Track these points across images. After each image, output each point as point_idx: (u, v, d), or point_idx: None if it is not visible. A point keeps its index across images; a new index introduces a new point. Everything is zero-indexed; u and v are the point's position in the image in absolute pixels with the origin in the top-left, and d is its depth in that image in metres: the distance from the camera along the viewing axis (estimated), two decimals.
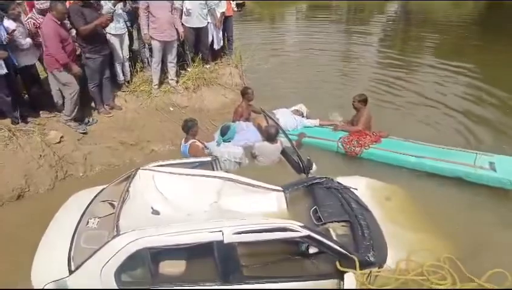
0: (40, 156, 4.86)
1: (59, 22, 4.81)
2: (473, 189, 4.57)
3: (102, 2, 5.57)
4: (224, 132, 4.91)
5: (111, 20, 5.43)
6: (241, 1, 8.43)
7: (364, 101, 5.42)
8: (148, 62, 6.59)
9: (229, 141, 4.96)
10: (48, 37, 4.77)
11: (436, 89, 8.02)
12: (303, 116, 5.89)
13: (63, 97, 5.34)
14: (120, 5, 5.75)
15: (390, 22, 15.68)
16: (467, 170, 4.55)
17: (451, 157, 4.70)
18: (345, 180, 4.17)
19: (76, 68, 5.06)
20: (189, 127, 4.91)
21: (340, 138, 5.25)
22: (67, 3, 5.33)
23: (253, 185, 3.78)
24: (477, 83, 8.29)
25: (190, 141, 4.86)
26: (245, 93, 5.83)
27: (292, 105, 6.10)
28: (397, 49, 11.49)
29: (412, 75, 9.00)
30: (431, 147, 4.98)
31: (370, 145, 5.05)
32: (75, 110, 5.34)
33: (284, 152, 5.05)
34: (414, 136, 5.36)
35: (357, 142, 5.08)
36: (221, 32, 7.35)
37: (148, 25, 5.96)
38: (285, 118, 5.70)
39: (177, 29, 6.14)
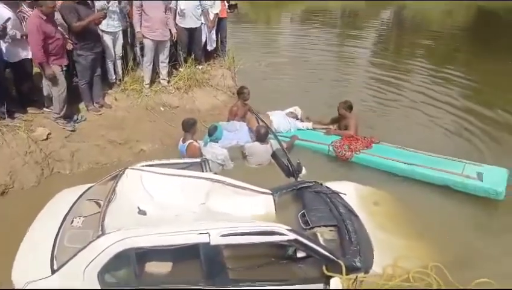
0: (26, 152, 4.78)
1: (45, 18, 4.68)
2: (462, 197, 4.62)
3: None
4: (211, 132, 4.89)
5: (104, 17, 5.37)
6: (234, 2, 8.42)
7: (350, 107, 5.50)
8: (139, 61, 6.54)
9: (216, 142, 4.94)
10: (30, 32, 4.67)
11: (428, 95, 8.13)
12: (297, 119, 5.91)
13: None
14: (114, 2, 5.70)
15: (384, 27, 15.86)
16: (455, 178, 4.59)
17: (440, 166, 4.73)
18: (333, 185, 4.19)
19: (49, 70, 4.86)
20: (189, 126, 4.93)
21: (332, 141, 5.30)
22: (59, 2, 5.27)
23: (241, 188, 3.77)
24: (468, 92, 8.43)
25: (188, 141, 4.85)
26: (241, 92, 5.86)
27: (287, 107, 6.12)
28: (390, 53, 11.66)
29: (405, 80, 9.15)
30: (421, 154, 5.01)
31: (361, 150, 5.09)
32: (64, 108, 5.26)
33: (274, 155, 5.04)
34: (405, 142, 5.39)
35: (348, 147, 5.14)
36: (214, 34, 7.34)
37: (141, 24, 5.92)
38: (279, 120, 5.72)
39: (170, 30, 6.12)
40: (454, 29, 15.10)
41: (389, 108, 7.51)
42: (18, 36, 4.83)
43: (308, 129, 5.68)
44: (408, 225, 3.95)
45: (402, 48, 12.36)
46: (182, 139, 4.99)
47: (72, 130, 5.34)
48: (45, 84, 5.28)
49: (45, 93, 5.36)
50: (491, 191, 4.40)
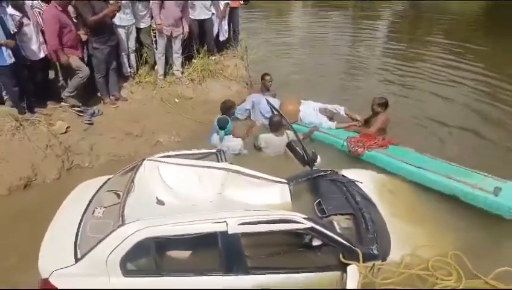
0: (47, 146, 4.90)
1: (61, 9, 4.89)
2: None
3: None
4: (223, 125, 4.84)
5: (119, 9, 5.43)
6: None
7: (384, 105, 5.16)
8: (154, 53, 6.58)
9: (229, 134, 4.94)
10: (46, 21, 4.85)
11: (452, 94, 7.58)
12: (330, 118, 5.69)
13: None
14: None
15: (398, 17, 15.51)
16: (465, 189, 4.16)
17: (454, 175, 4.31)
18: (349, 173, 4.17)
19: (64, 57, 5.05)
20: (227, 108, 5.27)
21: (348, 137, 5.14)
22: None
23: (257, 177, 3.79)
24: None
25: None
26: (262, 79, 6.19)
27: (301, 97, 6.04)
28: (405, 44, 11.36)
29: (426, 72, 8.74)
30: (438, 161, 4.62)
31: (374, 149, 4.89)
32: (77, 89, 5.39)
33: (289, 144, 5.06)
34: (433, 151, 4.95)
35: (363, 144, 4.94)
36: (226, 24, 7.32)
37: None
38: (308, 110, 5.69)
39: (183, 27, 6.17)
40: (469, 21, 14.56)
41: (421, 109, 6.95)
42: (30, 35, 4.92)
43: (330, 129, 5.48)
44: (425, 213, 3.92)
45: (418, 38, 11.96)
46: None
47: (89, 123, 5.44)
48: (67, 81, 5.39)
49: (62, 90, 5.46)
50: (504, 208, 3.92)
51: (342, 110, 5.68)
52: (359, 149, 4.88)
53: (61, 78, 5.51)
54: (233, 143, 4.85)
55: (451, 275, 3.16)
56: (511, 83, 7.83)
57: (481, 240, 3.64)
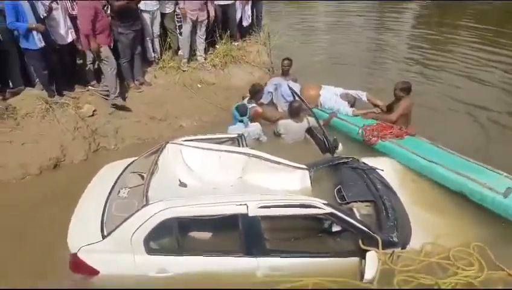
0: (75, 128, 5.08)
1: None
2: None
3: None
4: (244, 111, 4.77)
5: None
6: None
7: (407, 89, 4.92)
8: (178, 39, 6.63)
9: (250, 119, 4.93)
10: (81, 6, 4.91)
11: (478, 85, 7.21)
12: (351, 104, 5.56)
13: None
14: None
15: (426, 3, 14.91)
16: (474, 187, 3.85)
17: (467, 171, 3.99)
18: (370, 161, 4.13)
19: (94, 44, 5.06)
20: (255, 92, 5.39)
21: (364, 125, 4.97)
22: None
23: (278, 163, 3.81)
24: None
25: (252, 105, 5.22)
26: (281, 64, 6.12)
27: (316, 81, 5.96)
28: (433, 29, 10.94)
29: (452, 63, 8.36)
30: (454, 155, 4.32)
31: (389, 138, 4.70)
32: (118, 86, 5.49)
33: (310, 130, 5.04)
34: (454, 141, 4.70)
35: (378, 133, 4.77)
36: (250, 9, 7.27)
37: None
38: (328, 95, 5.61)
39: (208, 11, 6.15)
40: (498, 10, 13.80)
41: (441, 99, 6.68)
42: (61, 18, 5.03)
43: (347, 115, 5.35)
44: (448, 203, 3.86)
45: (445, 28, 11.42)
46: (246, 101, 5.34)
47: (121, 106, 5.55)
48: (94, 65, 5.52)
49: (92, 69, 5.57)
50: (511, 210, 3.61)
51: (364, 95, 5.56)
52: (373, 138, 4.73)
53: (88, 62, 5.64)
54: (253, 128, 4.87)
55: (472, 265, 3.12)
56: None
57: (506, 233, 3.54)
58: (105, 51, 5.22)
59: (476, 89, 7.03)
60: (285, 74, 6.12)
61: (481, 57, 8.49)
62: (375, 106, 5.40)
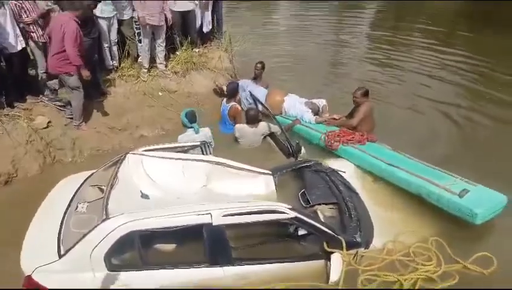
0: (27, 141, 4.81)
1: (79, 21, 4.80)
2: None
3: None
4: (193, 118, 4.68)
5: (99, 0, 5.32)
6: None
7: (364, 94, 5.01)
8: (137, 46, 6.48)
9: (198, 128, 4.78)
10: (71, 37, 4.67)
11: (439, 90, 7.31)
12: (318, 111, 5.66)
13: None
14: None
15: (382, 6, 15.56)
16: (431, 188, 3.91)
17: (425, 175, 4.05)
18: (333, 164, 4.22)
19: (86, 72, 4.96)
20: (233, 90, 5.51)
21: (327, 131, 5.05)
22: None
23: (242, 169, 3.81)
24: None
25: (231, 103, 5.42)
26: (254, 67, 6.25)
27: (312, 94, 6.03)
28: (389, 33, 11.41)
29: (411, 64, 8.66)
30: (413, 160, 4.38)
31: (350, 144, 4.78)
32: (82, 115, 5.34)
33: (273, 136, 5.09)
34: (414, 147, 4.81)
35: (340, 138, 4.84)
36: (210, 15, 7.24)
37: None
38: (292, 103, 5.70)
39: (165, 15, 6.07)
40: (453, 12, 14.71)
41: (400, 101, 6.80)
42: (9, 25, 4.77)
43: (310, 122, 5.43)
44: (407, 200, 4.00)
45: (402, 29, 11.98)
46: (225, 100, 5.57)
47: (72, 118, 5.35)
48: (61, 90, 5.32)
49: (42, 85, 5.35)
50: (466, 210, 3.64)
51: (321, 105, 5.70)
52: (334, 144, 4.82)
53: (41, 72, 5.38)
54: (202, 134, 4.70)
55: (431, 260, 3.26)
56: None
57: (461, 225, 3.70)
58: (75, 81, 5.01)
59: (435, 87, 7.37)
60: (257, 77, 6.14)
61: (437, 56, 8.93)
62: (330, 117, 5.48)
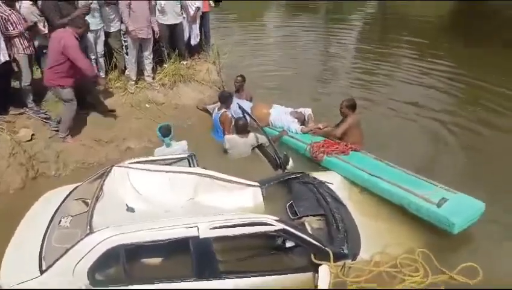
0: (10, 154, 4.69)
1: (78, 38, 4.93)
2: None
3: None
4: (167, 132, 4.53)
5: (87, 13, 5.32)
6: None
7: (351, 106, 5.02)
8: (124, 59, 6.47)
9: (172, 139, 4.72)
10: (76, 51, 4.80)
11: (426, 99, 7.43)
12: (304, 121, 5.70)
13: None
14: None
15: (369, 19, 15.93)
16: (410, 198, 3.92)
17: (406, 184, 4.07)
18: (320, 175, 4.24)
19: (103, 81, 5.68)
20: (225, 98, 5.64)
21: (312, 142, 5.07)
22: None
23: (229, 181, 3.78)
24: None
25: (222, 110, 5.52)
26: (234, 81, 6.30)
27: (296, 104, 6.04)
28: (375, 46, 11.64)
29: (395, 76, 8.79)
30: (396, 169, 4.41)
31: (334, 154, 4.80)
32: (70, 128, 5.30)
33: (261, 147, 5.10)
34: (397, 156, 4.79)
35: (324, 149, 4.86)
36: (198, 28, 7.29)
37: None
38: (278, 114, 5.72)
39: (152, 28, 6.09)
40: (438, 16, 15.22)
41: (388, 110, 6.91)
42: None
43: (296, 133, 5.47)
44: (392, 211, 4.03)
45: (388, 41, 12.26)
46: (217, 108, 5.68)
47: (56, 130, 5.27)
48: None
49: (26, 97, 5.30)
50: (443, 219, 3.66)
51: (306, 114, 5.72)
52: (319, 155, 4.85)
53: (26, 84, 5.30)
54: (177, 147, 4.60)
55: (418, 271, 3.27)
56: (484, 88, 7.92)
57: (446, 234, 3.72)
58: (69, 93, 5.03)
59: (421, 96, 7.52)
60: (238, 90, 6.18)
61: (423, 66, 9.11)
62: (316, 126, 5.49)
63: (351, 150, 4.81)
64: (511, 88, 7.55)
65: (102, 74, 6.20)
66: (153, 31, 6.12)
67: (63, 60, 4.79)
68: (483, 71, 8.42)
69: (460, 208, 3.74)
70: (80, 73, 4.98)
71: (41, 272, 2.79)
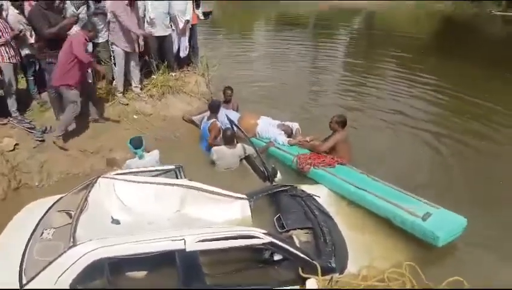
0: None
1: (88, 41, 5.21)
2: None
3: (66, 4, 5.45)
4: (139, 144, 4.53)
5: (75, 22, 5.30)
6: (209, 9, 8.48)
7: (341, 123, 5.03)
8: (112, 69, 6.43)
9: (143, 150, 4.64)
10: (82, 50, 4.91)
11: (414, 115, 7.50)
12: (291, 134, 5.72)
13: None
14: (83, 8, 5.62)
15: (355, 33, 16.32)
16: (396, 211, 3.99)
17: (391, 198, 4.14)
18: (308, 188, 4.25)
19: (103, 70, 5.64)
20: (215, 108, 5.69)
21: (299, 154, 5.10)
22: (27, 4, 5.18)
23: (217, 193, 3.76)
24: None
25: (212, 120, 5.50)
26: (223, 92, 6.40)
27: (285, 117, 6.12)
28: (361, 60, 11.91)
29: (385, 91, 8.95)
30: (381, 183, 4.47)
31: (320, 166, 4.83)
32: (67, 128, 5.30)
33: (249, 159, 5.09)
34: (383, 171, 4.85)
35: (311, 161, 4.89)
36: (187, 41, 7.33)
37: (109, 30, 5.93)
38: (265, 126, 5.73)
39: (138, 41, 6.07)
40: (422, 34, 15.74)
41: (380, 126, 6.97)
42: None
43: (283, 145, 5.48)
44: (379, 223, 4.05)
45: (374, 56, 12.58)
46: (206, 118, 5.70)
47: (41, 140, 5.17)
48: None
49: (10, 106, 5.22)
50: (428, 233, 3.73)
51: (294, 128, 5.75)
52: (306, 166, 4.87)
53: (10, 93, 5.22)
54: (148, 159, 4.58)
55: (405, 285, 3.27)
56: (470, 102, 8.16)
57: (431, 249, 3.76)
58: (74, 95, 5.08)
59: (407, 109, 7.68)
60: (227, 102, 6.21)
61: (408, 82, 9.39)
62: (303, 139, 5.49)
63: (337, 163, 4.84)
64: (493, 101, 7.84)
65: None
66: (138, 45, 6.10)
67: (72, 59, 4.87)
68: (466, 84, 8.80)
69: (444, 223, 3.82)
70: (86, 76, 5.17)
71: (21, 286, 2.69)
